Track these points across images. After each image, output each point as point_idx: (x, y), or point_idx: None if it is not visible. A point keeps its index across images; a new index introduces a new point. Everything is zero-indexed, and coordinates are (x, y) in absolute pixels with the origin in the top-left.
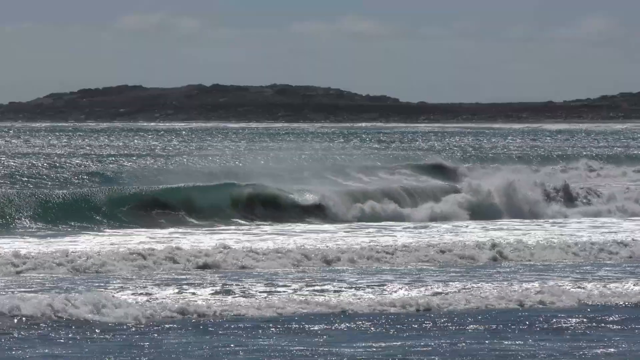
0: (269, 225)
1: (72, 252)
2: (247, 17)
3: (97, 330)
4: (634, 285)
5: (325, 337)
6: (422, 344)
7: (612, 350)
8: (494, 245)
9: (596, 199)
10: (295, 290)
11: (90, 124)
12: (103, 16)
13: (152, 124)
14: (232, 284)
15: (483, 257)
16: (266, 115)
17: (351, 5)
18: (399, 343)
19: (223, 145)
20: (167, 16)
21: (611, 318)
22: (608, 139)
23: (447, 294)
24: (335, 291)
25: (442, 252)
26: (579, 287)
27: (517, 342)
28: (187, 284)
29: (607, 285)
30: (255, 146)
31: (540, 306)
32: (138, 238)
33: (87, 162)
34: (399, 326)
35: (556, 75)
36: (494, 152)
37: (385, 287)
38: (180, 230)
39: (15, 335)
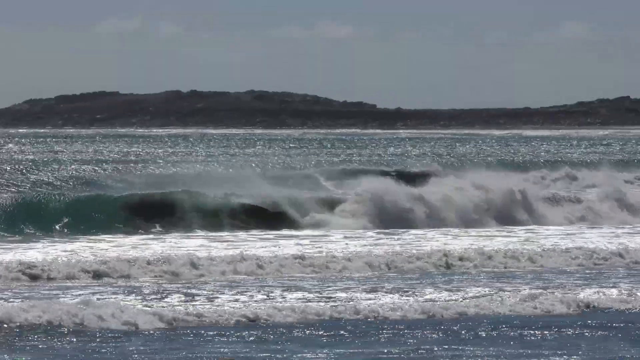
0: None
1: None
2: (225, 22)
3: None
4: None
5: None
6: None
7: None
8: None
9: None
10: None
11: (69, 130)
12: (80, 21)
13: (130, 129)
14: None
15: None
16: (243, 121)
17: (327, 10)
18: None
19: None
20: (144, 21)
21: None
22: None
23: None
24: None
25: None
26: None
27: None
28: None
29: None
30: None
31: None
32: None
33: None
34: None
35: (533, 81)
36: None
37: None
38: None
39: None
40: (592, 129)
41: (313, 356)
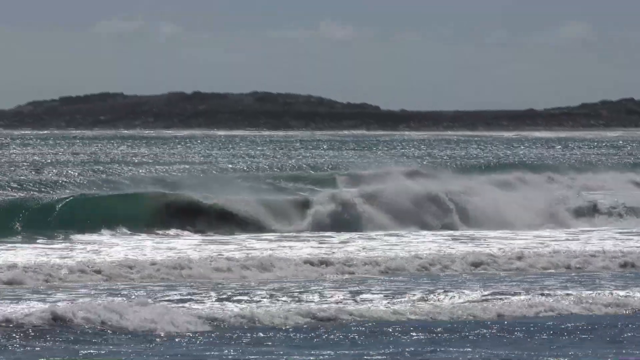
0: None
1: None
2: (226, 23)
3: None
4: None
5: None
6: None
7: None
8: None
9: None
10: None
11: (72, 131)
12: (82, 21)
13: (133, 131)
14: None
15: None
16: (246, 123)
17: (329, 10)
18: None
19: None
20: (144, 21)
21: None
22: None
23: None
24: None
25: None
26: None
27: None
28: None
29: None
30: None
31: None
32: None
33: None
34: None
35: (534, 82)
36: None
37: None
38: None
39: None
40: (596, 131)
41: None
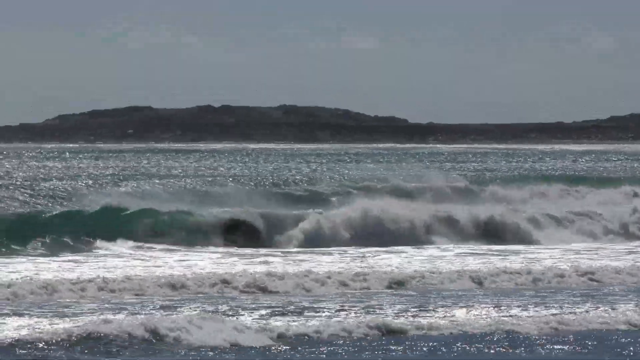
0: None
1: None
2: (249, 35)
3: None
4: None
5: None
6: None
7: None
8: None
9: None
10: None
11: (99, 144)
12: (109, 33)
13: (161, 145)
14: None
15: None
16: (273, 136)
17: (353, 22)
18: None
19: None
20: (174, 35)
21: None
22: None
23: None
24: None
25: None
26: None
27: None
28: None
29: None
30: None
31: None
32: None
33: None
34: None
35: (565, 95)
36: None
37: None
38: None
39: None
40: (625, 143)
41: None
